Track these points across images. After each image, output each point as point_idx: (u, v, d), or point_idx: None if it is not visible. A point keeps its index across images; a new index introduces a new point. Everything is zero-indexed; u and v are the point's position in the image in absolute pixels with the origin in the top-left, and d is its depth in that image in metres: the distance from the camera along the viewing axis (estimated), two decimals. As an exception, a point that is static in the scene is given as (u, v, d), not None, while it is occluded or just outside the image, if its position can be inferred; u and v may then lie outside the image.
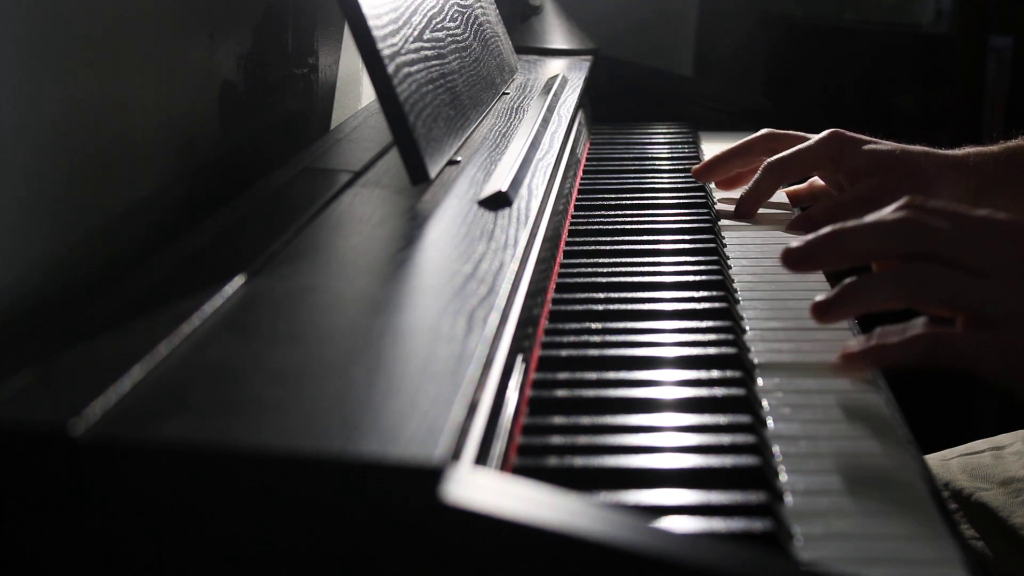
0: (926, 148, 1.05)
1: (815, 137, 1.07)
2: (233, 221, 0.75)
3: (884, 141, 1.06)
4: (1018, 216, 1.03)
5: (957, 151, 1.05)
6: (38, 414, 0.47)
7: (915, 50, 2.17)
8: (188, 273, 0.65)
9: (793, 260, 0.73)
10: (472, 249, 0.71)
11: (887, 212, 0.71)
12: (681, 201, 1.10)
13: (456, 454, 0.47)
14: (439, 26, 1.01)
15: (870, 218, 0.71)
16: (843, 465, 0.61)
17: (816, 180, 1.14)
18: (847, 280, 0.71)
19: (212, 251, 0.69)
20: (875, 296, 0.70)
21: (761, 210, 1.08)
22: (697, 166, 1.18)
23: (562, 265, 0.89)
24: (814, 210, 1.04)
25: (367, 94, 1.29)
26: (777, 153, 1.08)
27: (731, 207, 1.08)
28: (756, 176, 1.08)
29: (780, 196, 1.15)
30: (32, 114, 0.66)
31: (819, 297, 0.72)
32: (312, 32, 1.09)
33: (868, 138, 1.06)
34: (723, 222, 1.05)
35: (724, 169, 1.16)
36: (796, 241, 0.72)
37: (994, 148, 1.05)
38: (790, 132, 1.12)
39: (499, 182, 0.85)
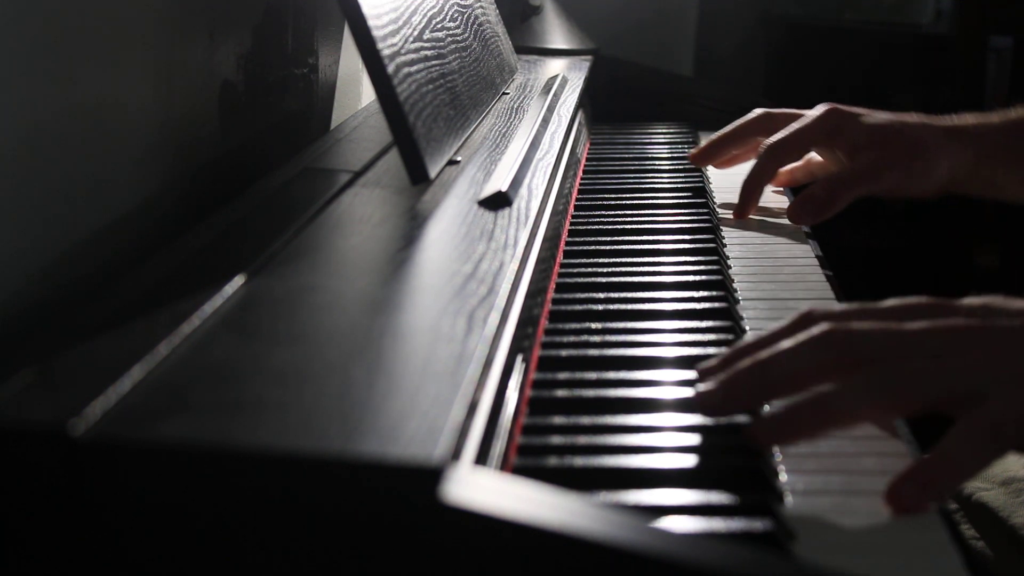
0: (924, 118, 1.05)
1: (811, 113, 1.07)
2: (233, 221, 0.75)
3: (880, 112, 1.05)
4: (1008, 192, 1.02)
5: (956, 120, 1.05)
6: (38, 414, 0.47)
7: (915, 50, 2.17)
8: (188, 273, 0.65)
9: (714, 405, 0.62)
10: (472, 249, 0.71)
11: (804, 333, 0.61)
12: (681, 201, 1.10)
13: (456, 454, 0.47)
14: (439, 26, 1.01)
15: (787, 342, 0.61)
16: (843, 465, 0.61)
17: (813, 157, 1.13)
18: (797, 400, 0.60)
19: (212, 251, 0.69)
20: (841, 410, 0.59)
21: (762, 209, 1.08)
22: (693, 150, 1.18)
23: (562, 265, 0.89)
24: (814, 188, 1.04)
25: (367, 94, 1.29)
26: (773, 133, 1.08)
27: (731, 212, 1.08)
28: (756, 160, 1.07)
29: (781, 200, 1.15)
30: (32, 114, 0.66)
31: (771, 414, 0.61)
32: (312, 32, 1.09)
33: (864, 111, 1.06)
34: (723, 218, 1.05)
35: (721, 152, 1.16)
36: (709, 382, 0.62)
37: (994, 118, 1.05)
38: (784, 110, 1.12)
39: (499, 182, 0.85)
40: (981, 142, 1.03)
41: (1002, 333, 0.60)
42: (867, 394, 0.58)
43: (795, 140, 1.06)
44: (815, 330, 0.61)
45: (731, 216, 1.06)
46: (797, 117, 1.08)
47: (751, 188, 1.07)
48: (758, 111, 1.14)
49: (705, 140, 1.20)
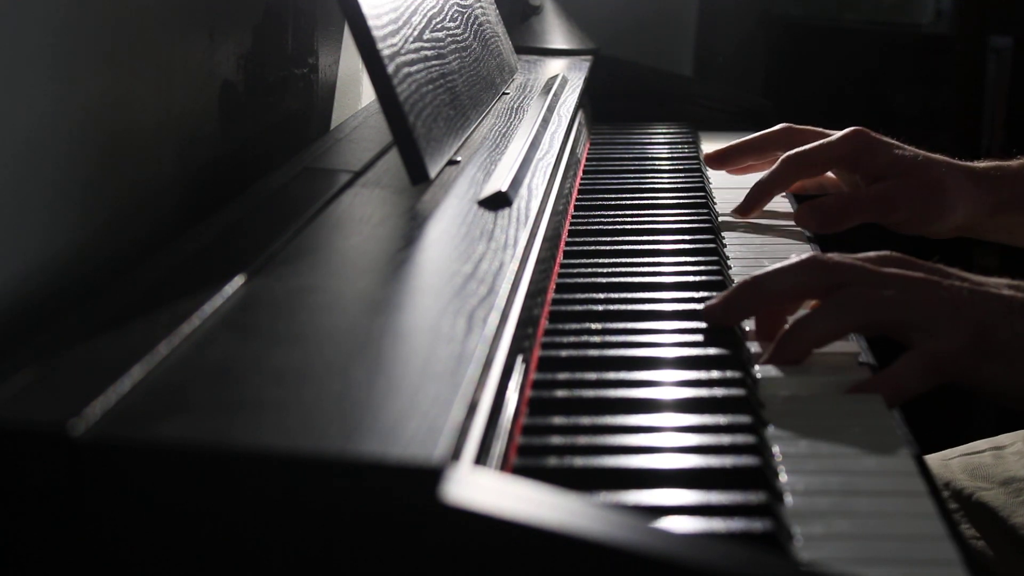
0: (948, 159, 1.04)
1: (837, 134, 1.06)
2: (233, 221, 0.75)
3: (907, 147, 1.05)
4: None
5: (977, 164, 1.04)
6: (38, 414, 0.47)
7: (915, 50, 2.17)
8: (188, 273, 0.65)
9: (716, 314, 0.76)
10: (472, 249, 0.71)
11: (793, 259, 0.75)
12: (681, 201, 1.09)
13: (456, 454, 0.47)
14: (439, 26, 1.01)
15: (778, 264, 0.75)
16: (843, 465, 0.61)
17: (828, 175, 1.13)
18: (787, 326, 0.73)
19: (212, 251, 0.69)
20: (815, 331, 0.72)
21: (762, 213, 1.08)
22: (710, 152, 1.17)
23: (562, 265, 0.89)
24: (827, 199, 1.03)
25: (367, 94, 1.29)
26: (794, 147, 1.07)
27: (732, 215, 1.07)
28: (775, 166, 1.06)
29: (782, 203, 1.15)
30: (32, 114, 0.66)
31: (766, 353, 0.73)
32: (312, 32, 1.09)
33: (892, 141, 1.05)
34: (723, 219, 1.05)
35: (739, 159, 1.16)
36: (714, 299, 0.76)
37: (1013, 164, 1.04)
38: (809, 128, 1.11)
39: (499, 182, 0.85)
40: (1000, 187, 1.02)
41: (951, 287, 0.72)
42: (836, 313, 0.72)
43: (817, 156, 1.05)
44: (803, 256, 0.75)
45: (731, 218, 1.06)
46: (821, 135, 1.08)
47: (762, 192, 1.06)
48: (782, 125, 1.13)
49: (724, 144, 1.19)
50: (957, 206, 1.02)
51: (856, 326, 0.73)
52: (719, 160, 1.16)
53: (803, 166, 1.06)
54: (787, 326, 0.73)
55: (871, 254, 0.76)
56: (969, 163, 1.04)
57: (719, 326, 0.75)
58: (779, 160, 1.06)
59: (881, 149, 1.03)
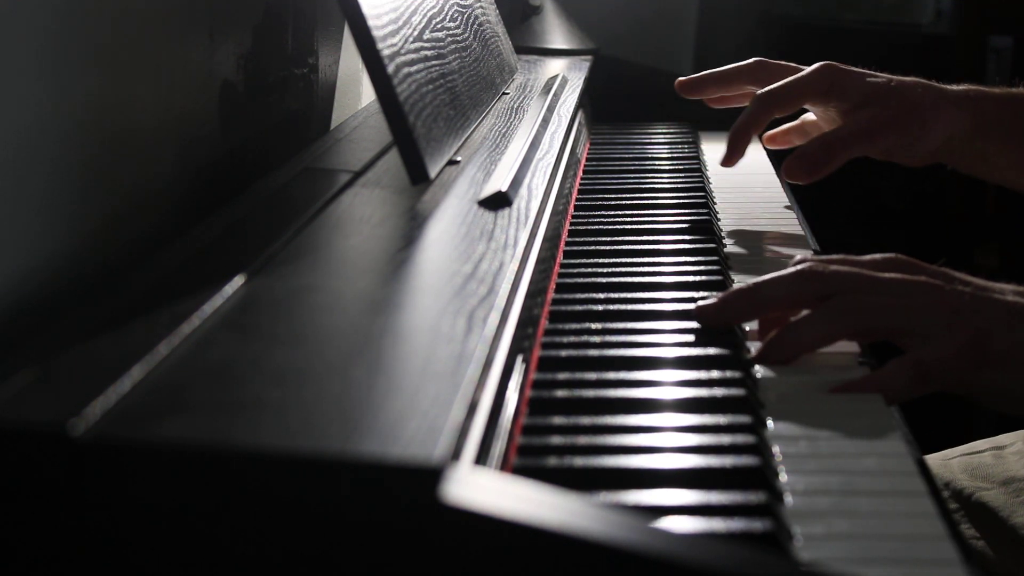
0: (923, 80, 1.03)
1: (807, 69, 1.05)
2: (233, 221, 0.75)
3: (879, 73, 1.04)
4: (997, 169, 1.03)
5: (956, 86, 1.04)
6: (38, 414, 0.47)
7: (915, 50, 2.17)
8: (188, 273, 0.65)
9: (709, 315, 0.76)
10: (472, 249, 0.71)
11: (790, 267, 0.74)
12: (681, 201, 1.09)
13: (456, 454, 0.47)
14: (439, 26, 1.01)
15: (774, 273, 0.74)
16: (843, 465, 0.61)
17: (808, 117, 1.12)
18: (777, 329, 0.73)
19: (212, 251, 0.69)
20: (808, 335, 0.72)
21: (761, 214, 1.08)
22: (682, 79, 1.15)
23: (562, 265, 0.89)
24: (810, 145, 1.02)
25: (367, 94, 1.29)
26: (766, 83, 1.06)
27: (740, 214, 1.07)
28: (748, 108, 1.05)
29: (781, 201, 1.15)
30: (32, 114, 0.66)
31: (754, 350, 0.73)
32: (312, 32, 1.09)
33: (862, 71, 1.04)
34: (723, 220, 1.05)
35: (710, 90, 1.14)
36: (709, 299, 0.76)
37: (995, 89, 1.04)
38: (781, 63, 1.09)
39: (499, 182, 0.85)
40: (979, 110, 1.01)
41: (952, 292, 0.72)
42: (829, 319, 0.71)
43: (789, 92, 1.04)
44: (799, 266, 0.74)
45: (724, 157, 1.05)
46: (793, 71, 1.06)
47: (740, 135, 1.05)
48: (754, 59, 1.11)
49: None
50: (936, 127, 1.01)
51: (846, 332, 0.72)
52: (689, 87, 1.15)
53: (776, 103, 1.05)
54: (777, 332, 0.73)
55: (875, 257, 0.75)
56: (945, 85, 1.04)
57: (708, 325, 0.75)
58: (752, 99, 1.05)
59: (853, 79, 1.03)
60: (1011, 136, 1.02)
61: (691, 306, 0.80)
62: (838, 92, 1.03)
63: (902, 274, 0.73)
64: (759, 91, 1.05)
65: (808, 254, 0.98)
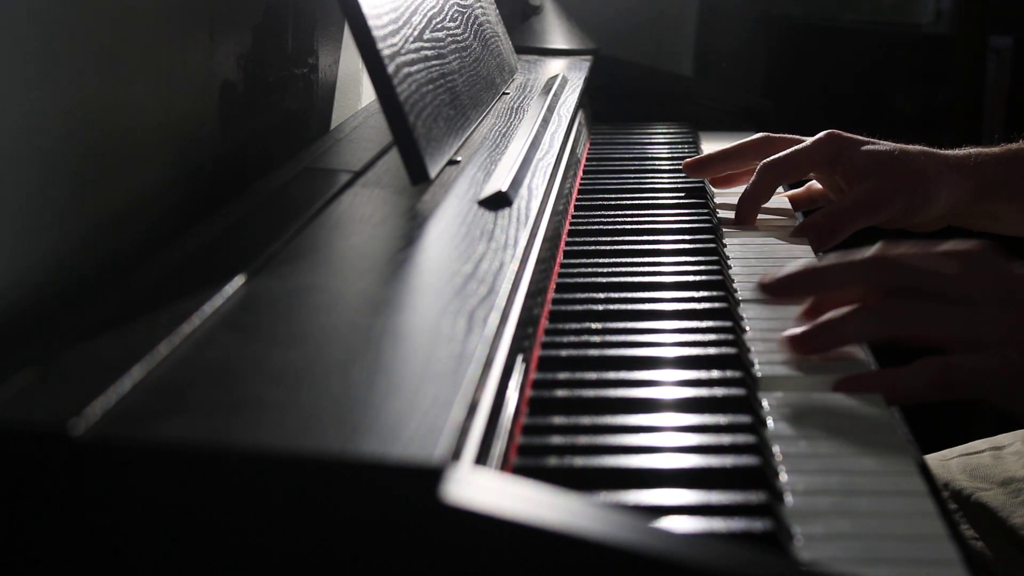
0: (925, 148, 1.04)
1: (811, 139, 1.07)
2: (233, 221, 0.75)
3: (881, 141, 1.05)
4: (1008, 226, 1.03)
5: (957, 151, 1.04)
6: (38, 414, 0.47)
7: (915, 50, 2.17)
8: (188, 273, 0.65)
9: (771, 290, 0.74)
10: (472, 249, 0.71)
11: (861, 252, 0.73)
12: (681, 201, 1.09)
13: (456, 454, 0.47)
14: (439, 26, 1.01)
15: (844, 257, 0.73)
16: (843, 465, 0.61)
17: (814, 184, 1.13)
18: (825, 316, 0.72)
19: (212, 251, 0.69)
20: (855, 330, 0.71)
21: (761, 214, 1.08)
22: (689, 160, 1.17)
23: (562, 265, 0.89)
24: (816, 217, 1.03)
25: (367, 94, 1.29)
26: (772, 152, 1.07)
27: (730, 214, 1.07)
28: (753, 178, 1.07)
29: (781, 202, 1.15)
30: (32, 114, 0.66)
31: (794, 331, 0.72)
32: (312, 32, 1.09)
33: (865, 138, 1.05)
34: (723, 218, 1.05)
35: (717, 168, 1.15)
36: (773, 273, 0.75)
37: (995, 149, 1.04)
38: (786, 136, 1.11)
39: (499, 182, 0.85)
40: (982, 173, 1.02)
41: (1018, 303, 0.70)
42: (883, 319, 0.70)
43: (793, 162, 1.06)
44: (868, 252, 0.73)
45: (731, 222, 1.06)
46: (798, 142, 1.08)
47: (748, 206, 1.06)
48: (759, 135, 1.13)
49: (704, 153, 1.19)
50: (940, 195, 1.01)
51: (896, 335, 0.71)
52: (697, 168, 1.16)
53: (780, 173, 1.07)
54: (824, 319, 0.72)
55: (954, 247, 0.73)
56: (946, 151, 1.04)
57: (769, 298, 0.75)
58: (756, 170, 1.07)
59: (855, 149, 1.03)
60: (1016, 195, 1.03)
61: (691, 306, 0.81)
62: (841, 161, 1.04)
63: (975, 274, 0.71)
64: (765, 160, 1.07)
65: (807, 249, 0.98)
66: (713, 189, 1.15)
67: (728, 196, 1.14)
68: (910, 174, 1.02)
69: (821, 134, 1.06)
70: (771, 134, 1.13)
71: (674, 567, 0.44)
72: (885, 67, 2.16)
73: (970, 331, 0.69)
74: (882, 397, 0.68)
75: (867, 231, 1.03)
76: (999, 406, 0.71)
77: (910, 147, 1.04)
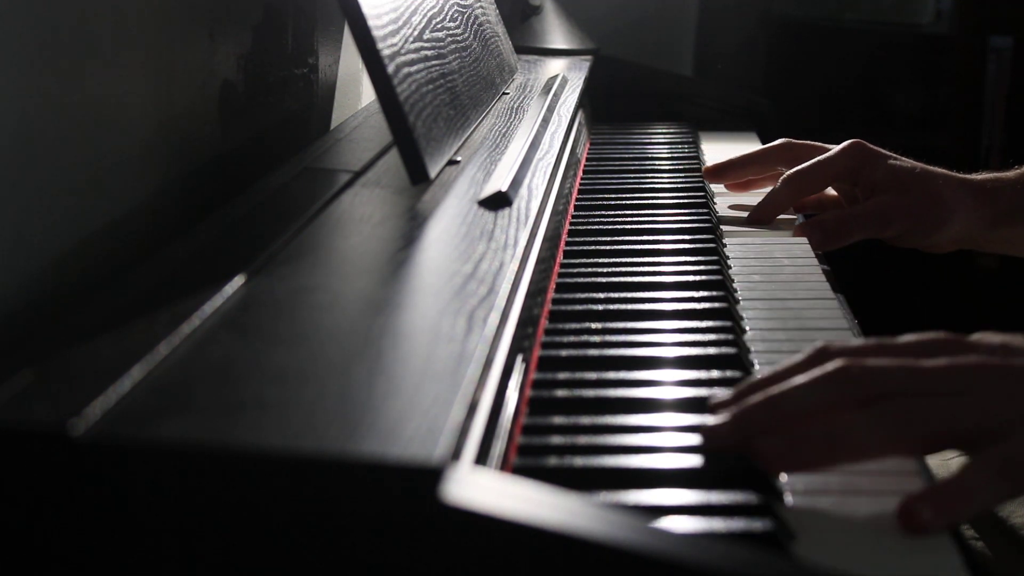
0: (946, 171, 1.04)
1: (835, 148, 1.06)
2: (233, 221, 0.75)
3: (904, 158, 1.05)
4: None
5: (976, 176, 1.04)
6: (38, 414, 0.47)
7: (915, 50, 2.17)
8: (188, 273, 0.65)
9: (721, 436, 0.60)
10: (472, 249, 0.71)
11: (819, 369, 0.61)
12: (681, 201, 1.09)
13: (456, 454, 0.47)
14: (439, 26, 1.01)
15: (801, 377, 0.61)
16: (843, 465, 0.61)
17: (828, 190, 1.13)
18: (812, 434, 0.59)
19: (212, 251, 0.69)
20: (856, 447, 0.59)
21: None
22: (710, 166, 1.17)
23: (562, 265, 0.89)
24: (825, 217, 1.03)
25: (367, 94, 1.29)
26: (793, 163, 1.08)
27: (740, 213, 1.07)
28: (776, 187, 1.07)
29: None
30: (32, 113, 0.66)
31: (769, 442, 0.59)
32: (312, 32, 1.09)
33: (889, 153, 1.05)
34: (723, 218, 1.05)
35: (738, 174, 1.15)
36: (720, 416, 0.61)
37: (1010, 174, 1.04)
38: (808, 142, 1.11)
39: (499, 182, 0.85)
40: (998, 200, 1.02)
41: (1019, 372, 0.60)
42: (881, 429, 0.58)
43: (817, 173, 1.06)
44: (829, 366, 0.60)
45: (745, 223, 1.06)
46: (820, 150, 1.08)
47: (765, 215, 1.06)
48: (781, 141, 1.13)
49: (708, 155, 1.19)
50: (955, 219, 1.02)
51: (907, 445, 0.59)
52: (718, 174, 1.16)
53: (804, 184, 1.07)
54: (817, 433, 0.59)
55: (911, 340, 0.63)
56: (967, 175, 1.04)
57: (724, 451, 0.60)
58: (780, 180, 1.07)
59: (879, 162, 1.03)
60: None
61: (691, 306, 0.80)
62: (864, 172, 1.04)
63: (952, 358, 0.61)
64: (787, 172, 1.07)
65: (807, 249, 0.98)
66: (713, 189, 1.15)
67: (730, 197, 1.15)
68: (926, 195, 1.02)
69: (846, 144, 1.06)
70: (793, 140, 1.13)
71: (674, 567, 0.44)
72: (885, 67, 2.16)
73: (984, 417, 0.58)
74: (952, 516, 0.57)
75: (871, 243, 1.03)
76: None
77: (932, 168, 1.04)
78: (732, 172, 1.16)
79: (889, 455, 0.59)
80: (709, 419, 0.61)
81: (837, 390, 0.60)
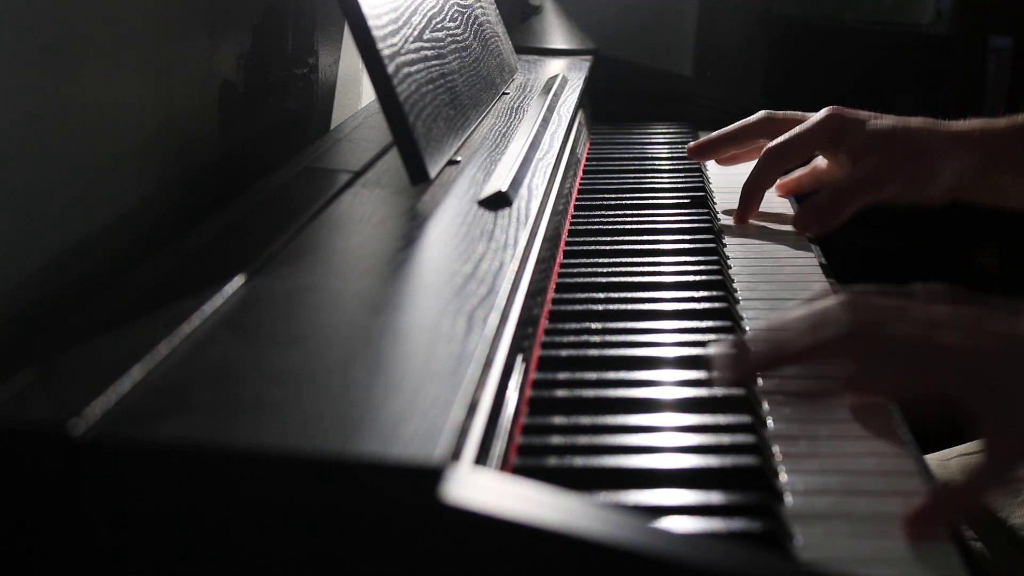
0: (928, 121, 1.03)
1: (814, 117, 1.05)
2: (233, 221, 0.75)
3: (885, 116, 1.04)
4: (1017, 200, 1.00)
5: (961, 123, 1.04)
6: (38, 414, 0.47)
7: (915, 50, 2.17)
8: (188, 273, 0.65)
9: (729, 369, 0.63)
10: (472, 249, 0.71)
11: (822, 303, 0.62)
12: (681, 201, 1.09)
13: (456, 454, 0.47)
14: (439, 26, 1.01)
15: (799, 311, 0.62)
16: (843, 465, 0.61)
17: (819, 162, 1.13)
18: (813, 383, 0.62)
19: (212, 251, 0.69)
20: (862, 384, 0.61)
21: (762, 215, 1.08)
22: (692, 143, 1.17)
23: (562, 265, 0.89)
24: (820, 197, 1.03)
25: (367, 94, 1.29)
26: (774, 135, 1.07)
27: (731, 212, 1.07)
28: (757, 163, 1.06)
29: (783, 205, 1.15)
30: (32, 114, 0.66)
31: (808, 389, 0.63)
32: (312, 32, 1.09)
33: (868, 114, 1.04)
34: (723, 221, 1.05)
35: (720, 149, 1.15)
36: (724, 353, 0.63)
37: (1000, 122, 1.04)
38: (787, 113, 1.10)
39: (499, 182, 0.85)
40: (987, 147, 1.02)
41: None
42: (889, 368, 0.59)
43: (797, 144, 1.05)
44: (835, 301, 0.62)
45: (732, 222, 1.06)
46: (800, 120, 1.07)
47: (752, 193, 1.06)
48: (761, 113, 1.13)
49: (705, 136, 1.19)
50: (945, 168, 1.01)
51: (913, 384, 0.60)
52: (701, 151, 1.15)
53: (784, 157, 1.06)
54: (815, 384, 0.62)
55: (918, 288, 0.63)
56: (951, 124, 1.04)
57: (731, 385, 0.64)
58: (761, 155, 1.06)
59: (860, 126, 1.03)
60: (1021, 168, 1.02)
61: (691, 306, 0.80)
62: (845, 139, 1.03)
63: (955, 307, 0.62)
64: (768, 145, 1.06)
65: (807, 248, 0.98)
66: (713, 189, 1.15)
67: (731, 197, 1.14)
68: (914, 148, 1.01)
69: (823, 111, 1.05)
70: (773, 111, 1.12)
71: (674, 567, 0.44)
72: (885, 67, 2.16)
73: (986, 365, 0.58)
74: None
75: (868, 209, 1.02)
76: None
77: (913, 120, 1.03)
78: (715, 148, 1.15)
79: (895, 396, 0.61)
80: (719, 349, 0.63)
81: (843, 323, 0.60)
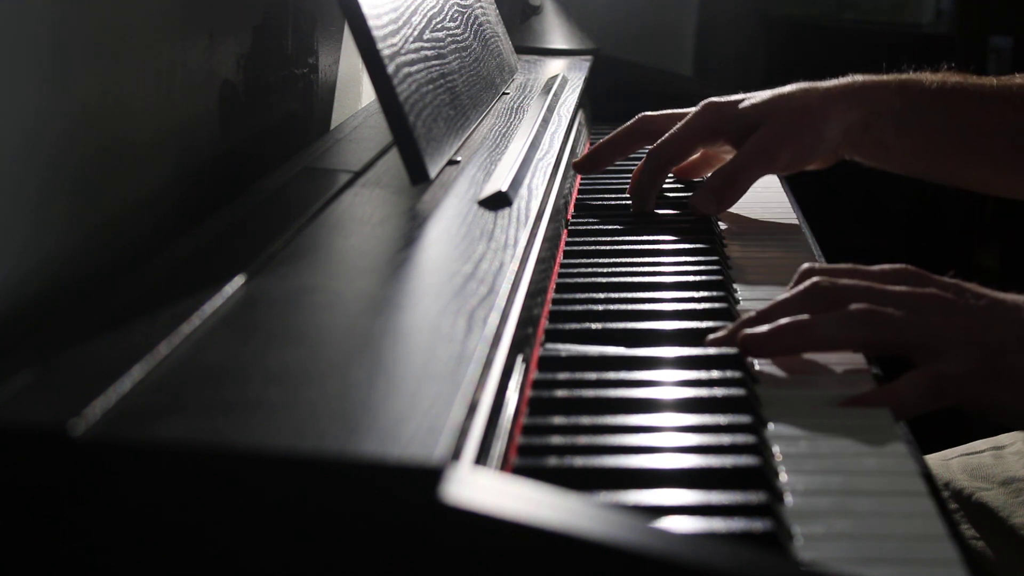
0: (803, 84, 1.03)
1: (690, 112, 1.04)
2: (233, 221, 0.75)
3: (756, 92, 1.03)
4: (898, 160, 1.02)
5: (838, 81, 1.04)
6: (38, 414, 0.47)
7: (915, 50, 2.17)
8: (188, 273, 0.65)
9: (719, 342, 0.73)
10: (472, 249, 0.71)
11: (800, 286, 0.73)
12: (681, 201, 1.09)
13: (456, 454, 0.47)
14: (439, 26, 1.01)
15: (784, 294, 0.73)
16: (843, 465, 0.61)
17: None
18: (784, 321, 0.71)
19: (212, 251, 0.69)
20: (822, 333, 0.71)
21: (761, 213, 1.08)
22: (576, 160, 1.12)
23: (562, 265, 0.89)
24: (710, 179, 1.01)
25: (367, 94, 1.29)
26: (654, 137, 1.04)
27: (740, 212, 1.06)
28: (641, 167, 1.04)
29: (783, 206, 1.15)
30: (32, 114, 0.66)
31: (755, 330, 0.71)
32: (312, 32, 1.09)
33: (740, 96, 1.04)
34: (722, 220, 1.05)
35: (608, 160, 1.11)
36: (721, 331, 0.74)
37: (884, 77, 1.04)
38: (664, 112, 1.08)
39: (499, 182, 0.85)
40: (870, 102, 1.01)
41: (965, 307, 0.71)
42: (842, 325, 0.70)
43: (677, 143, 1.03)
44: (806, 281, 0.73)
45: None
46: (678, 117, 1.05)
47: (641, 194, 1.04)
48: (637, 117, 1.09)
49: (589, 151, 1.15)
50: (829, 126, 1.00)
51: (858, 341, 0.72)
52: (587, 165, 1.10)
53: (668, 158, 1.04)
54: (788, 320, 0.71)
55: (884, 268, 0.74)
56: (825, 82, 1.04)
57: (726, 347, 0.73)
58: (644, 159, 1.04)
59: (733, 111, 1.02)
60: (905, 127, 1.02)
61: (691, 306, 0.80)
62: (722, 130, 1.03)
63: (912, 287, 0.72)
64: (650, 149, 1.04)
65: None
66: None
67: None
68: (795, 111, 1.01)
69: (698, 106, 1.04)
70: (649, 114, 1.09)
71: (674, 567, 0.44)
72: (885, 67, 2.16)
73: (927, 335, 0.70)
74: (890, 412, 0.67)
75: (861, 171, 1.02)
76: (988, 414, 0.71)
77: (786, 87, 1.03)
78: (602, 159, 1.10)
79: (845, 349, 0.72)
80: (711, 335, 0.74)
81: (811, 303, 0.72)
